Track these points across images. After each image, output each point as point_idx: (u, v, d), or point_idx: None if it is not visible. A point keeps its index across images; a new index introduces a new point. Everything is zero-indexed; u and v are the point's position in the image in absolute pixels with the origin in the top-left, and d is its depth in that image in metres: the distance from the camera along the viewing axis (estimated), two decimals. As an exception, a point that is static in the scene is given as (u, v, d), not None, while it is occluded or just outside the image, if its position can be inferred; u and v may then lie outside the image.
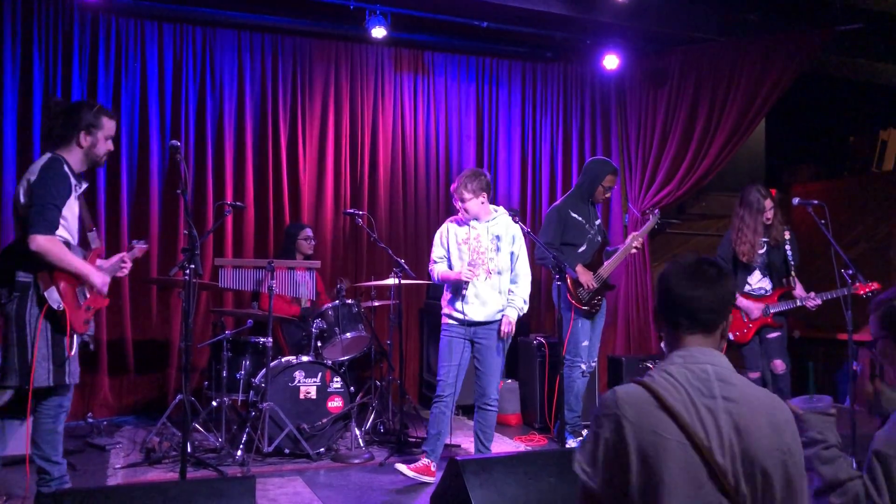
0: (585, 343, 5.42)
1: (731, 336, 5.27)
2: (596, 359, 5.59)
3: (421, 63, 7.26)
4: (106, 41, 6.18)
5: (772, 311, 5.29)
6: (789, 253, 5.37)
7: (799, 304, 5.28)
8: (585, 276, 5.31)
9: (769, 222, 5.35)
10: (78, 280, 3.64)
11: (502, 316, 4.63)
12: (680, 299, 1.84)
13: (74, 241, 3.71)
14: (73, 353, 3.62)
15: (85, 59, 6.11)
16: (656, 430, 1.69)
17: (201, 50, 6.48)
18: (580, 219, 5.42)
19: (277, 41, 6.71)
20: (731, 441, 1.68)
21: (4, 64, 5.82)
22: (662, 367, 1.82)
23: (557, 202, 5.67)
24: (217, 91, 6.52)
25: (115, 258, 3.94)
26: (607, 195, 5.60)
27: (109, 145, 3.79)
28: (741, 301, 5.34)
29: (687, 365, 1.78)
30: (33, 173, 3.56)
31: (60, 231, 3.58)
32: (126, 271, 3.98)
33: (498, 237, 4.66)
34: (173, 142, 3.75)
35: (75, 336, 3.65)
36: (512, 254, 4.71)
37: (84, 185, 3.81)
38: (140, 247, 4.22)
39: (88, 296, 3.73)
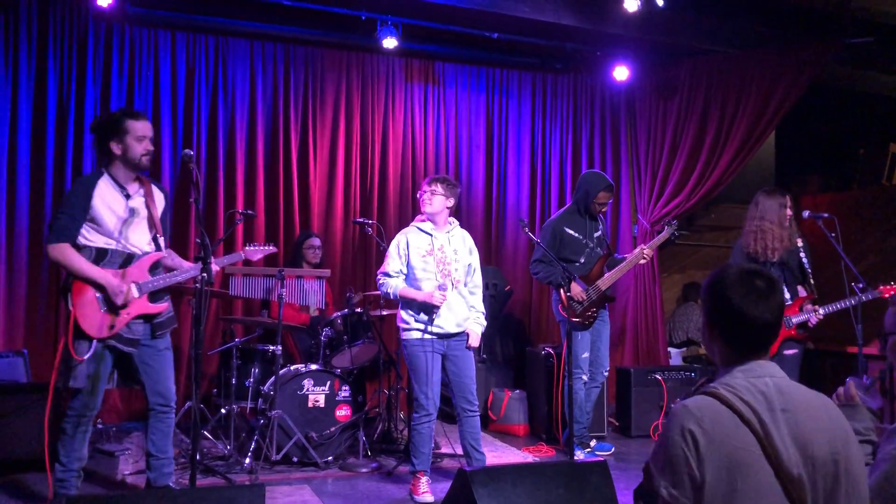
0: (585, 355, 5.38)
1: None
2: (607, 367, 5.55)
3: (431, 73, 7.29)
4: (120, 50, 6.23)
5: (794, 321, 5.03)
6: (804, 259, 5.13)
7: (804, 317, 5.03)
8: (577, 289, 5.26)
9: (788, 221, 5.07)
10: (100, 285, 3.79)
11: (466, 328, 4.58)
12: (746, 321, 1.84)
13: (120, 245, 3.86)
14: (84, 357, 3.70)
15: (99, 67, 6.16)
16: (732, 441, 1.72)
17: (214, 59, 6.53)
18: (576, 234, 5.40)
19: (289, 51, 6.76)
20: (794, 451, 1.72)
21: (20, 72, 5.88)
22: (725, 381, 1.83)
23: (553, 218, 5.64)
24: (229, 100, 6.56)
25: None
26: (602, 211, 5.53)
27: (146, 145, 3.90)
28: None
29: (749, 379, 1.81)
30: None
31: (92, 237, 3.80)
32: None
33: (456, 250, 4.61)
34: (186, 151, 3.79)
35: (93, 341, 3.74)
36: (469, 266, 4.66)
37: (141, 191, 3.95)
38: (249, 250, 4.40)
39: (120, 301, 3.82)
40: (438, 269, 4.50)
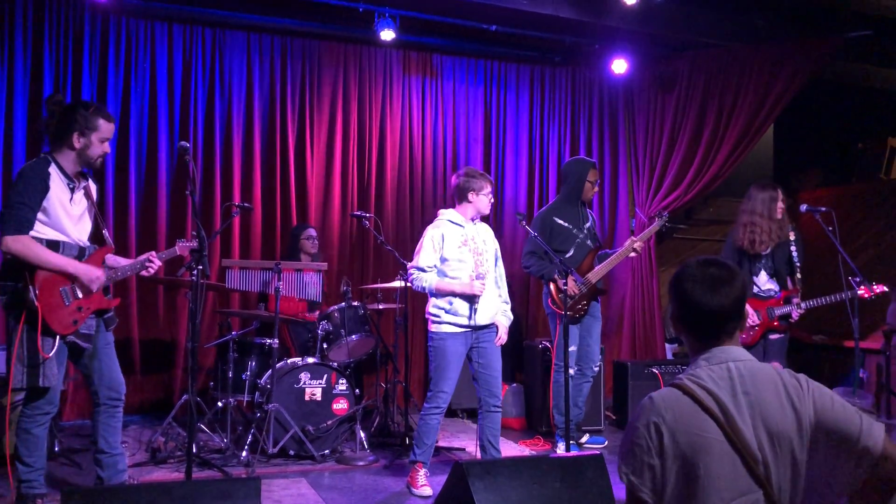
0: (573, 348, 5.37)
1: None
2: (598, 362, 5.52)
3: (429, 66, 7.27)
4: (116, 42, 6.20)
5: (777, 313, 5.14)
6: (794, 253, 5.21)
7: (787, 309, 5.12)
8: (571, 282, 5.24)
9: (780, 214, 5.16)
10: (64, 279, 3.62)
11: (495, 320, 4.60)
12: (700, 309, 1.88)
13: (71, 238, 3.70)
14: (49, 354, 3.55)
15: (95, 59, 6.14)
16: (694, 430, 1.77)
17: (211, 51, 6.50)
18: (566, 224, 5.41)
19: (286, 43, 6.73)
20: (759, 431, 1.76)
21: (16, 65, 5.85)
22: (691, 371, 1.89)
23: (543, 209, 5.65)
24: (226, 92, 6.54)
25: (142, 256, 3.94)
26: (595, 190, 5.58)
27: (105, 147, 3.78)
28: None
29: (711, 366, 1.86)
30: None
31: (42, 229, 3.60)
32: (152, 270, 3.93)
33: (485, 240, 4.65)
34: (182, 143, 3.75)
35: (56, 337, 3.59)
36: (496, 257, 4.71)
37: (85, 183, 3.82)
38: (182, 245, 4.21)
39: (81, 295, 3.68)
40: (476, 259, 4.51)
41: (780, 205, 5.17)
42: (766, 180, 5.38)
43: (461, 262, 4.47)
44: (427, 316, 4.56)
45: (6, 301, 3.59)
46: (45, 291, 3.54)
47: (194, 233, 3.79)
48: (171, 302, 6.36)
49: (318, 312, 5.75)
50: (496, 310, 4.59)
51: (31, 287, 3.51)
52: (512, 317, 4.73)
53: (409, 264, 4.59)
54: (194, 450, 4.09)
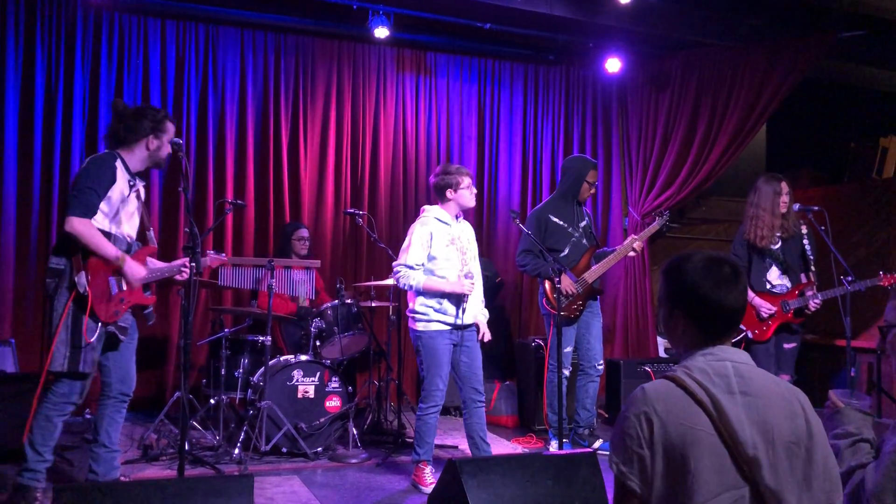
0: (568, 349, 5.32)
1: (749, 334, 5.09)
2: (600, 361, 5.49)
3: (423, 64, 7.26)
4: (108, 38, 6.17)
5: (791, 306, 5.04)
6: (807, 247, 5.14)
7: (802, 301, 5.04)
8: (565, 282, 5.18)
9: (784, 209, 5.08)
10: (112, 269, 3.74)
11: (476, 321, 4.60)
12: (720, 307, 1.87)
13: (121, 233, 3.83)
14: (91, 340, 3.65)
15: (87, 55, 6.11)
16: (685, 423, 1.76)
17: (204, 47, 6.48)
18: (561, 223, 5.33)
19: (280, 40, 6.71)
20: (752, 432, 1.75)
21: (7, 61, 5.82)
22: (685, 364, 1.88)
23: (538, 206, 5.60)
24: (219, 89, 6.52)
25: (178, 262, 4.04)
26: (592, 191, 5.49)
27: (170, 148, 3.95)
28: (754, 299, 5.10)
29: (709, 362, 1.85)
30: (83, 164, 3.80)
31: (98, 218, 3.72)
32: (186, 275, 4.01)
33: (469, 239, 4.64)
34: (175, 139, 3.78)
35: (98, 324, 3.70)
36: (474, 257, 4.70)
37: (140, 184, 3.97)
38: (213, 257, 4.44)
39: (125, 288, 3.80)
40: (461, 257, 4.50)
41: (785, 199, 5.08)
42: (772, 173, 5.25)
43: (448, 261, 4.45)
44: (410, 314, 4.53)
45: (55, 284, 3.68)
46: (96, 278, 3.67)
47: (186, 229, 3.85)
48: (163, 299, 6.33)
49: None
50: (478, 307, 4.61)
51: (83, 272, 3.63)
52: (488, 314, 4.73)
53: (396, 262, 4.55)
54: (186, 447, 4.09)
